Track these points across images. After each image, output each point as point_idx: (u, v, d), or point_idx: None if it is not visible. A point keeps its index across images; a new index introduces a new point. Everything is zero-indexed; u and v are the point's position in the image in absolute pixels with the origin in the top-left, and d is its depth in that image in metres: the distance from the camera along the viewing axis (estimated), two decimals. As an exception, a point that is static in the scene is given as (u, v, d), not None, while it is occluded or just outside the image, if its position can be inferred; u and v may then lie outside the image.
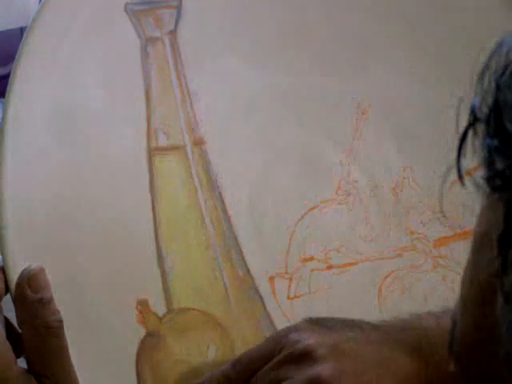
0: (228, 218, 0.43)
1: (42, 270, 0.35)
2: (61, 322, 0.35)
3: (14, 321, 0.37)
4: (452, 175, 0.46)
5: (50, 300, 0.35)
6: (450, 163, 0.27)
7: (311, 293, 0.44)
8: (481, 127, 0.24)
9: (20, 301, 0.35)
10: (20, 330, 0.36)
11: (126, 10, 0.43)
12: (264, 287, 0.43)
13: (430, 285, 0.45)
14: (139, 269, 0.41)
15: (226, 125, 0.45)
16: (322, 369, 0.34)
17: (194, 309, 0.41)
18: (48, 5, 0.41)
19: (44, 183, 0.40)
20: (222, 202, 0.43)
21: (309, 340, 0.36)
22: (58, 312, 0.35)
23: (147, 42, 0.43)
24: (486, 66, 0.24)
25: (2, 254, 0.38)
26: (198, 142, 0.44)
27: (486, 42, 0.46)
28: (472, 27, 0.46)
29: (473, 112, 0.24)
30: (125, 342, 0.40)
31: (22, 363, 0.36)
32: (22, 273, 0.35)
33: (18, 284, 0.35)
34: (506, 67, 0.23)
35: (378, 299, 0.44)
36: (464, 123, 0.25)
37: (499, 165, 0.22)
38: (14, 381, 0.34)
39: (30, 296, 0.35)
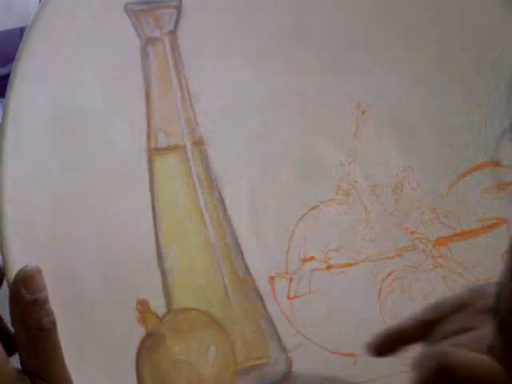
0: (228, 218, 0.43)
1: (38, 270, 0.35)
2: (54, 323, 0.35)
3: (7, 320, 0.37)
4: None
5: (45, 301, 0.35)
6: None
7: (311, 293, 0.44)
8: None
9: (14, 301, 0.35)
10: (13, 330, 0.36)
11: (125, 9, 0.43)
12: (264, 287, 0.43)
13: (430, 285, 0.45)
14: (139, 269, 0.41)
15: (226, 125, 0.45)
16: None
17: (193, 309, 0.41)
18: (48, 5, 0.41)
19: (44, 183, 0.40)
20: (222, 202, 0.43)
21: None
22: (52, 313, 0.35)
23: (147, 42, 0.43)
24: None
25: (2, 254, 0.38)
26: (198, 142, 0.44)
27: (485, 41, 0.46)
28: (472, 27, 0.46)
29: None
30: (125, 342, 0.40)
31: (19, 364, 0.36)
32: (19, 273, 0.35)
33: (14, 284, 0.35)
34: None
35: (378, 299, 0.44)
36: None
37: None
38: (6, 380, 0.34)
39: (25, 297, 0.35)
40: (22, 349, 0.35)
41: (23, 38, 0.41)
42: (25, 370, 0.35)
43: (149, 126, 0.43)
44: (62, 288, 0.39)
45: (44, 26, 0.41)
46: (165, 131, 0.43)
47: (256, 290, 0.43)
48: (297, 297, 0.44)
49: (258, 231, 0.44)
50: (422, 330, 0.37)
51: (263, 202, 0.45)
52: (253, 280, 0.43)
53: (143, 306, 0.40)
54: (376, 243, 0.45)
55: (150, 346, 0.40)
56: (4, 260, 0.38)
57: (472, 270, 0.45)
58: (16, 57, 0.40)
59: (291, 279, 0.44)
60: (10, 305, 0.35)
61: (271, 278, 0.44)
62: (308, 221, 0.45)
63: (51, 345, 0.35)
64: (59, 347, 0.35)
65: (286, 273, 0.44)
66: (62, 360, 0.35)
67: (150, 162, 0.43)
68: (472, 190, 0.46)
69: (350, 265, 0.45)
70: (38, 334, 0.34)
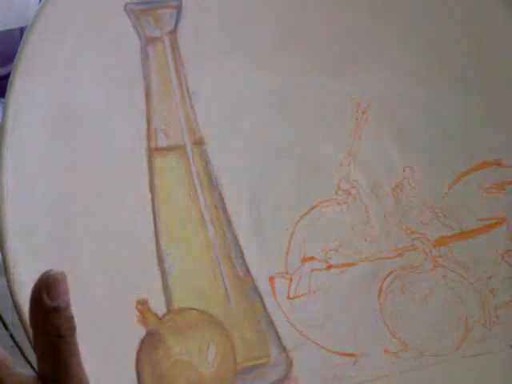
0: (228, 218, 0.43)
1: (62, 275, 0.35)
2: (73, 329, 0.34)
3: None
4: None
5: (66, 307, 0.34)
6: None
7: (311, 293, 0.44)
8: None
9: (35, 306, 0.34)
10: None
11: (125, 10, 0.43)
12: (264, 287, 0.43)
13: (430, 285, 0.45)
14: (139, 269, 0.41)
15: (225, 125, 0.45)
16: None
17: (193, 309, 0.41)
18: (48, 5, 0.41)
19: (44, 183, 0.40)
20: (222, 201, 0.43)
21: None
22: (72, 318, 0.34)
23: (147, 42, 0.43)
24: None
25: (2, 254, 0.38)
26: (198, 142, 0.44)
27: (485, 41, 0.46)
28: (472, 27, 0.46)
29: None
30: (125, 342, 0.40)
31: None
32: (41, 277, 0.34)
33: (36, 288, 0.34)
34: None
35: (378, 299, 0.44)
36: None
37: None
38: None
39: (46, 303, 0.34)
40: (39, 353, 0.34)
41: (23, 38, 0.41)
42: (41, 375, 0.35)
43: (149, 126, 0.43)
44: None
45: (44, 25, 0.41)
46: (165, 131, 0.43)
47: (256, 290, 0.43)
48: (297, 297, 0.44)
49: (258, 231, 0.44)
50: None
51: (263, 202, 0.45)
52: (253, 280, 0.43)
53: (143, 306, 0.40)
54: (376, 243, 0.45)
55: (149, 345, 0.40)
56: (4, 260, 0.38)
57: (472, 270, 0.45)
58: (16, 57, 0.40)
59: (291, 279, 0.44)
60: (30, 309, 0.34)
61: (271, 278, 0.44)
62: (308, 221, 0.45)
63: (69, 350, 0.34)
64: (78, 352, 0.34)
65: (286, 273, 0.44)
66: (80, 365, 0.35)
67: (150, 161, 0.43)
68: (472, 190, 0.46)
69: (349, 265, 0.45)
70: (56, 340, 0.34)
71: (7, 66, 0.63)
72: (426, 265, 0.45)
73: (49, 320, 0.34)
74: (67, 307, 0.34)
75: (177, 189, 0.43)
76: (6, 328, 0.46)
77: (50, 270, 0.34)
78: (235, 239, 0.43)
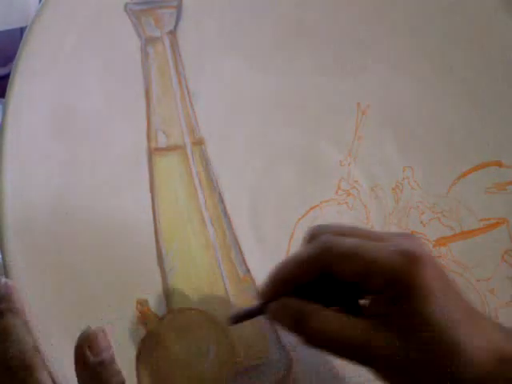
0: (228, 218, 0.43)
1: (101, 330, 0.34)
2: (123, 383, 0.34)
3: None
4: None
5: (111, 361, 0.34)
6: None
7: (311, 293, 0.44)
8: None
9: (81, 364, 0.34)
10: None
11: (125, 9, 0.43)
12: (264, 287, 0.43)
13: (430, 285, 0.45)
14: (139, 269, 0.41)
15: (225, 125, 0.45)
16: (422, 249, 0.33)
17: (193, 309, 0.41)
18: (48, 5, 0.41)
19: (44, 183, 0.40)
20: (222, 202, 0.43)
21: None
22: (120, 372, 0.34)
23: (147, 42, 0.43)
24: None
25: (2, 254, 0.38)
26: (198, 142, 0.44)
27: (485, 41, 0.46)
28: (472, 27, 0.46)
29: None
30: (125, 342, 0.40)
31: None
32: (82, 335, 0.34)
33: (78, 347, 0.34)
34: None
35: (378, 299, 0.44)
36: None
37: None
38: None
39: (91, 359, 0.34)
40: None
41: (23, 38, 0.41)
42: None
43: (149, 126, 0.43)
44: (61, 288, 0.39)
45: (44, 25, 0.41)
46: (165, 131, 0.43)
47: (256, 290, 0.43)
48: (297, 297, 0.44)
49: (258, 231, 0.44)
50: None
51: (263, 202, 0.45)
52: (253, 280, 0.43)
53: (143, 306, 0.40)
54: (376, 243, 0.45)
55: (149, 345, 0.40)
56: (4, 260, 0.38)
57: (472, 270, 0.45)
58: (16, 57, 0.40)
59: (291, 279, 0.44)
60: (76, 367, 0.34)
61: (271, 278, 0.44)
62: (308, 220, 0.45)
63: None
64: None
65: (286, 273, 0.44)
66: None
67: (150, 162, 0.43)
68: (472, 190, 0.46)
69: (350, 265, 0.45)
70: None
71: (7, 65, 0.63)
72: (426, 265, 0.45)
73: (97, 375, 0.34)
74: (112, 361, 0.34)
75: (177, 189, 0.43)
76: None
77: (88, 327, 0.34)
78: (235, 239, 0.43)
